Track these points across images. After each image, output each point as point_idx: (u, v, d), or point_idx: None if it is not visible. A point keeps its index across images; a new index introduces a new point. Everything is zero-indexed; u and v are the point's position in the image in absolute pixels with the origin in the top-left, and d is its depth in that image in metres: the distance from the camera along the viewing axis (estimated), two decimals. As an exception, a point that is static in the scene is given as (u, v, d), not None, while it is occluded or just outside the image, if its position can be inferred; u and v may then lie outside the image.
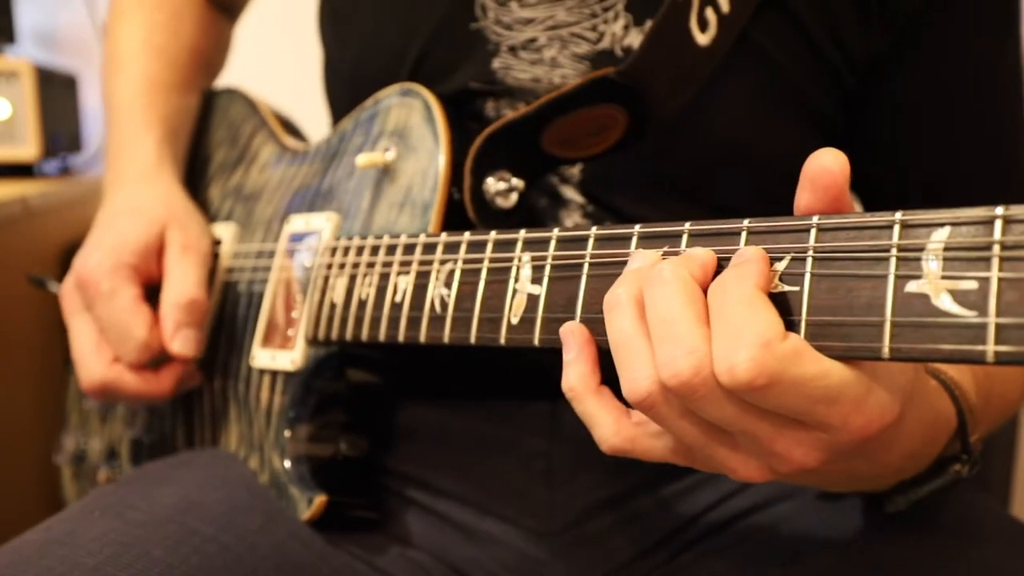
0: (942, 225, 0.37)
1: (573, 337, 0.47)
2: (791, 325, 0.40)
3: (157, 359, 0.71)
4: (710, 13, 0.62)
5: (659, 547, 0.68)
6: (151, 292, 0.72)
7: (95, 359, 0.71)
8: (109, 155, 0.82)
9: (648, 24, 0.65)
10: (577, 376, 0.46)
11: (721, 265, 0.43)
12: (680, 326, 0.40)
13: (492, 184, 0.64)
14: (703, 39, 0.62)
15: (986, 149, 0.70)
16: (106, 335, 0.71)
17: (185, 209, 0.77)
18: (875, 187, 0.71)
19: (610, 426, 0.46)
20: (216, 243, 0.80)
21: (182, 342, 0.70)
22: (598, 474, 0.70)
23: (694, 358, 0.39)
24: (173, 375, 0.72)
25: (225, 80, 0.98)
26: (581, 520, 0.69)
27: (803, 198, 0.42)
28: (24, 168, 1.39)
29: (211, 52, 0.91)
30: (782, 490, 0.67)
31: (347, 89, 0.78)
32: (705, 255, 0.43)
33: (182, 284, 0.71)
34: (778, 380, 0.38)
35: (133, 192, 0.77)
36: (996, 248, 0.35)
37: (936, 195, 0.70)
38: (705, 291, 0.42)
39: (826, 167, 0.41)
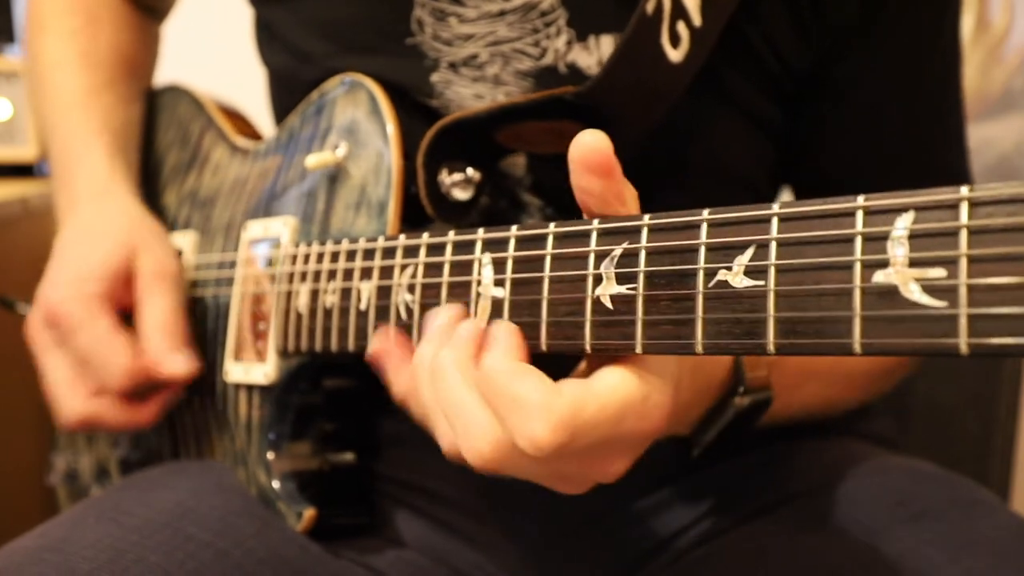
0: (906, 210, 0.36)
1: (385, 353, 0.53)
2: (759, 323, 0.39)
3: (140, 389, 0.69)
4: (682, 27, 0.57)
5: (666, 546, 0.67)
6: (122, 320, 0.70)
7: (72, 394, 0.69)
8: (56, 175, 0.79)
9: (591, 40, 0.62)
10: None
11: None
12: (468, 410, 0.45)
13: (447, 177, 0.62)
14: (675, 55, 0.57)
15: (921, 152, 0.70)
16: (85, 367, 0.68)
17: (148, 228, 0.74)
18: (821, 184, 0.70)
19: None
20: (177, 254, 0.77)
21: (176, 362, 0.68)
22: None
23: (492, 438, 0.44)
24: (157, 403, 0.70)
25: (174, 68, 0.95)
26: (585, 524, 0.69)
27: (582, 183, 0.45)
28: (24, 168, 1.37)
29: (135, 51, 0.87)
30: (774, 501, 0.66)
31: (286, 96, 0.75)
32: (475, 331, 0.47)
33: (160, 313, 0.69)
34: (577, 430, 0.42)
35: (89, 214, 0.74)
36: (963, 233, 0.34)
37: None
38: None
39: (593, 147, 0.43)
